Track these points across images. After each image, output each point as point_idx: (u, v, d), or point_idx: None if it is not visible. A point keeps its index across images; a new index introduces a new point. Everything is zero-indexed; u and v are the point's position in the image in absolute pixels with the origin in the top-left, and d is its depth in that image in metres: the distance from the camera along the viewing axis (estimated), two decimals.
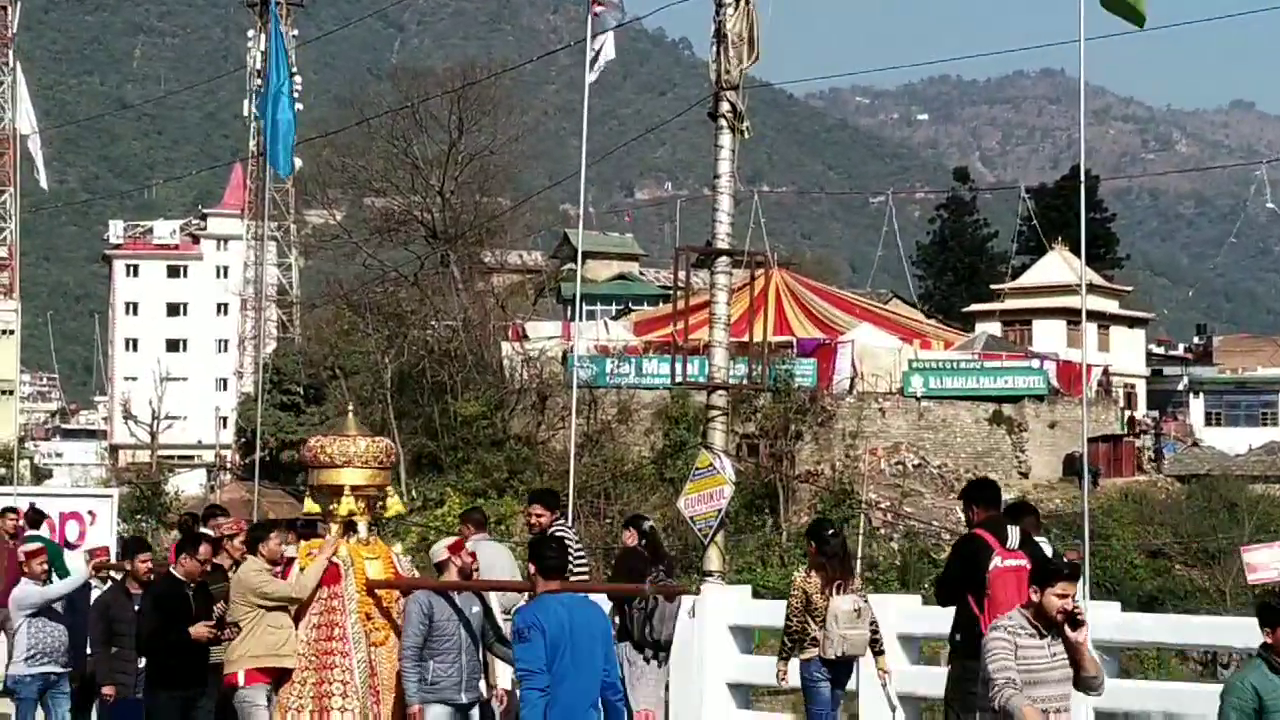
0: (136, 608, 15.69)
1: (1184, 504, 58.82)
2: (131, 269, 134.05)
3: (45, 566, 17.64)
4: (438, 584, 13.96)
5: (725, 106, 20.17)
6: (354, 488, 14.40)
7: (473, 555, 14.25)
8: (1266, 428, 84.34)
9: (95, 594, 17.63)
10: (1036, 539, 13.68)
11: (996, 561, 12.89)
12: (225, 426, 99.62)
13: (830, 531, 15.70)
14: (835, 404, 59.19)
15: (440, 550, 14.20)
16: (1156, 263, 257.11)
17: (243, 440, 79.60)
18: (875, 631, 15.11)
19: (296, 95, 31.59)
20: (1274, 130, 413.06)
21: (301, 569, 14.25)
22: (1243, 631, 14.56)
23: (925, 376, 62.98)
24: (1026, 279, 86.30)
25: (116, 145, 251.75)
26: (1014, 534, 13.21)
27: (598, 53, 23.89)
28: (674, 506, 24.32)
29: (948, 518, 57.96)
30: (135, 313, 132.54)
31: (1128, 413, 76.65)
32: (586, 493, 46.26)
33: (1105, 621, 14.85)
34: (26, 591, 17.16)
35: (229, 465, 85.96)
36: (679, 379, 42.02)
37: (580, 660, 11.86)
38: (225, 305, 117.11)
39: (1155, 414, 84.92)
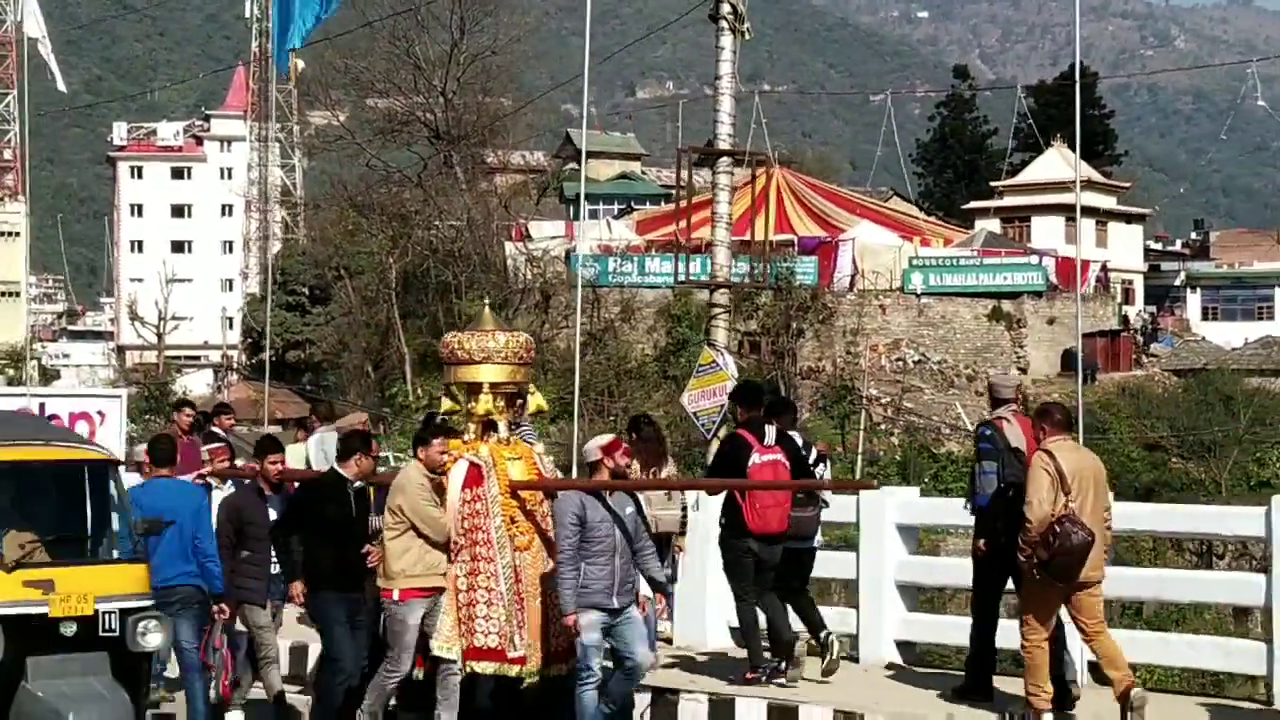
0: (272, 513, 14.84)
1: (1180, 398, 58.99)
2: (136, 171, 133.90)
3: (226, 464, 17.20)
4: (585, 484, 13.38)
5: (726, 8, 20.24)
6: (493, 385, 13.83)
7: (628, 454, 13.51)
8: (1263, 322, 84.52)
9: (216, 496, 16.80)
10: (791, 434, 15.04)
11: (755, 457, 14.30)
12: (231, 327, 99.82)
13: (645, 422, 15.76)
14: (836, 301, 59.27)
15: (593, 450, 13.37)
16: (1154, 159, 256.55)
17: (249, 340, 79.78)
18: (685, 513, 15.57)
19: None
20: (1272, 26, 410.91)
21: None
22: (1237, 520, 14.79)
23: (925, 273, 63.03)
24: (1025, 176, 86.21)
25: (119, 47, 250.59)
26: (770, 431, 14.66)
27: None
28: (677, 403, 24.50)
29: (947, 413, 58.22)
30: (140, 214, 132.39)
31: (1125, 310, 76.79)
32: (590, 390, 46.34)
33: None
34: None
35: (235, 365, 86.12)
36: (682, 278, 42.17)
37: None
38: (230, 206, 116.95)
39: (1152, 309, 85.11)
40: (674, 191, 67.08)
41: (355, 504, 13.88)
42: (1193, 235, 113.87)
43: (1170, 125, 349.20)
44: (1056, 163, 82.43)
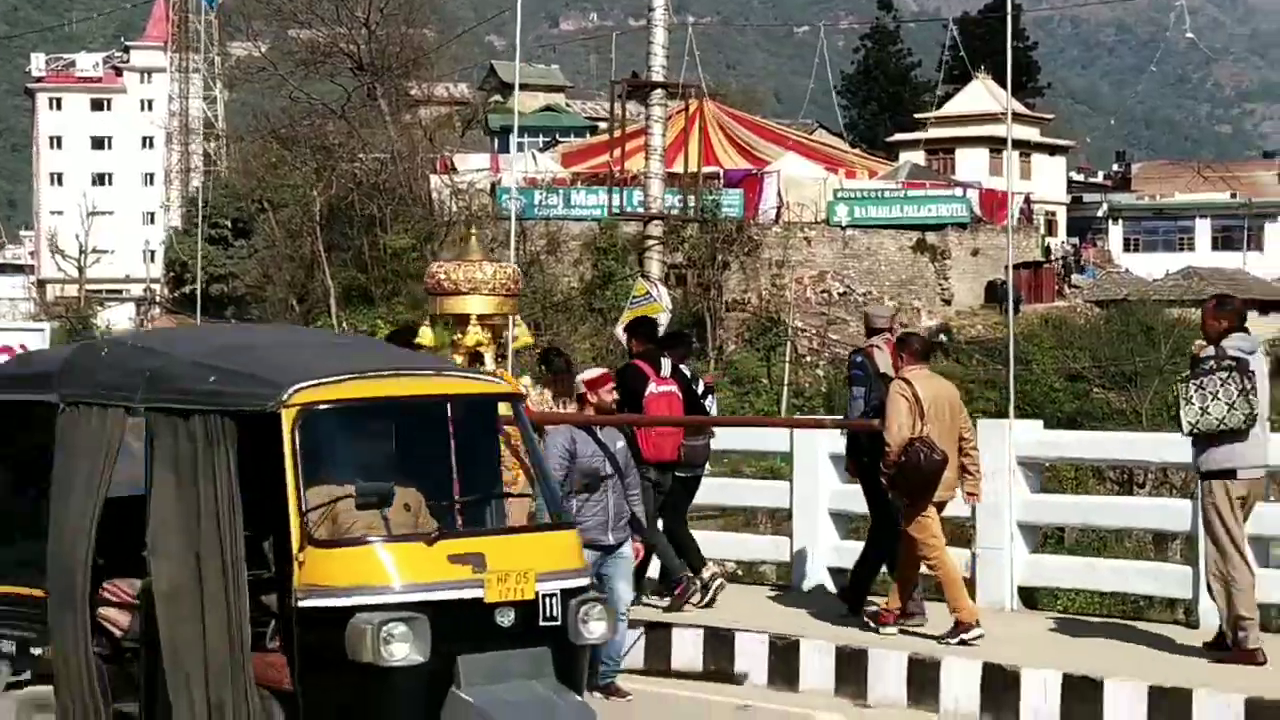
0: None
1: (1102, 329, 59.41)
2: (55, 102, 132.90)
3: None
4: (576, 417, 13.10)
5: None
6: (480, 317, 13.48)
7: (613, 390, 13.25)
8: (1183, 253, 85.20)
9: None
10: (682, 367, 15.67)
11: (651, 388, 14.67)
12: (153, 260, 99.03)
13: (555, 354, 15.54)
14: (762, 233, 59.38)
15: (579, 384, 13.18)
16: (1077, 91, 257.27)
17: (170, 274, 79.29)
18: None
19: None
20: None
21: None
22: (1157, 447, 15.02)
23: (850, 206, 63.18)
24: (950, 108, 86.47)
25: None
26: (666, 364, 15.12)
27: None
28: (604, 335, 24.65)
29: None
30: (59, 147, 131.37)
31: (1049, 242, 77.30)
32: (524, 320, 46.42)
33: (1028, 439, 15.36)
34: None
35: (158, 299, 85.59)
36: (615, 210, 42.23)
37: None
38: (150, 139, 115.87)
39: (1075, 241, 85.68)
40: (600, 124, 66.94)
41: None
42: (1115, 167, 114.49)
43: (1093, 58, 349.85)
44: (981, 95, 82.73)
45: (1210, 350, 13.00)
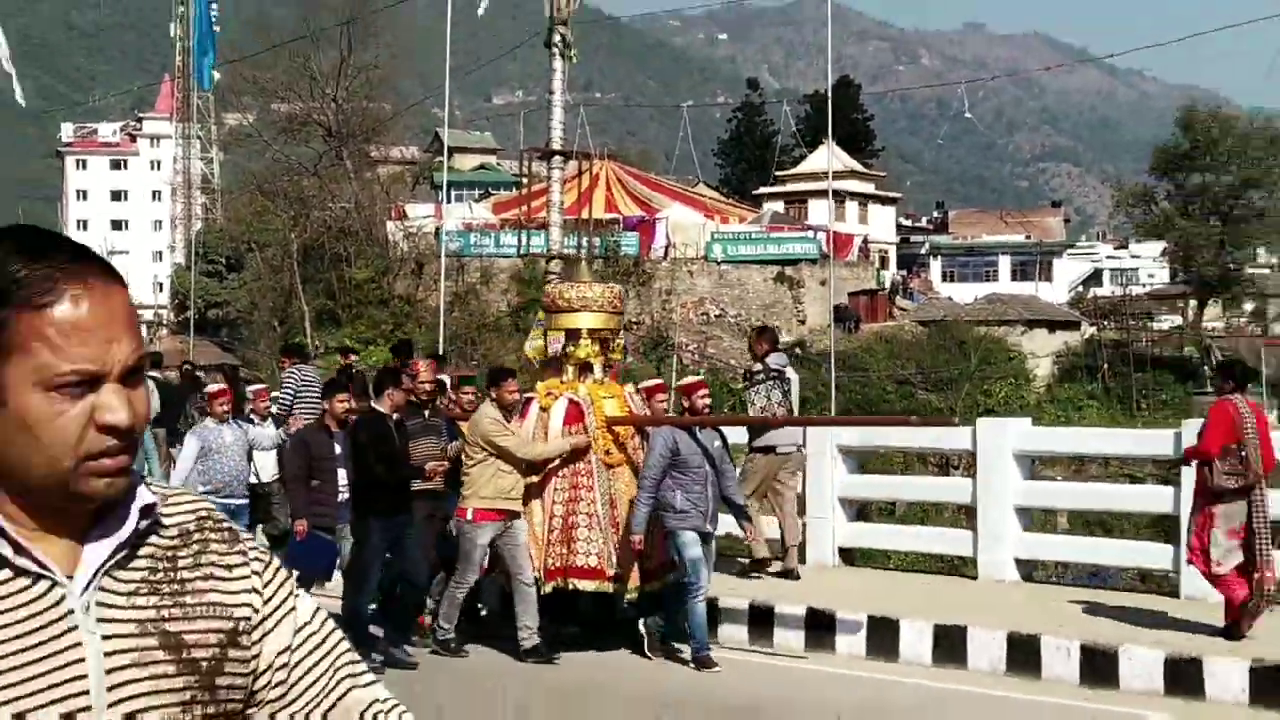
0: (337, 447, 13.04)
1: (925, 343, 59.94)
2: (80, 163, 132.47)
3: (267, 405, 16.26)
4: (672, 420, 12.42)
5: (557, 37, 20.27)
6: (590, 331, 12.82)
7: (706, 395, 12.40)
8: (989, 282, 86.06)
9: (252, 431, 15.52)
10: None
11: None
12: (161, 290, 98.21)
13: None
14: (654, 267, 59.59)
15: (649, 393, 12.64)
16: (906, 153, 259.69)
17: (175, 301, 78.61)
18: None
19: (215, 17, 31.32)
20: (1000, 47, 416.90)
21: (543, 408, 12.54)
22: (963, 437, 15.21)
23: (724, 245, 63.49)
24: (803, 167, 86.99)
25: (66, 61, 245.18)
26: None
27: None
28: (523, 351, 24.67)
29: (742, 356, 58.81)
30: (85, 199, 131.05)
31: (882, 274, 77.92)
32: (456, 340, 46.35)
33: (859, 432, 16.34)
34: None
35: (164, 322, 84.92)
36: (524, 250, 42.18)
37: None
38: (159, 192, 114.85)
39: (903, 272, 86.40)
40: (520, 180, 66.99)
41: (397, 434, 12.38)
42: (935, 214, 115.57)
43: (918, 127, 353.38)
44: (828, 156, 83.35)
45: (759, 366, 15.09)
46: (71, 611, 1.86)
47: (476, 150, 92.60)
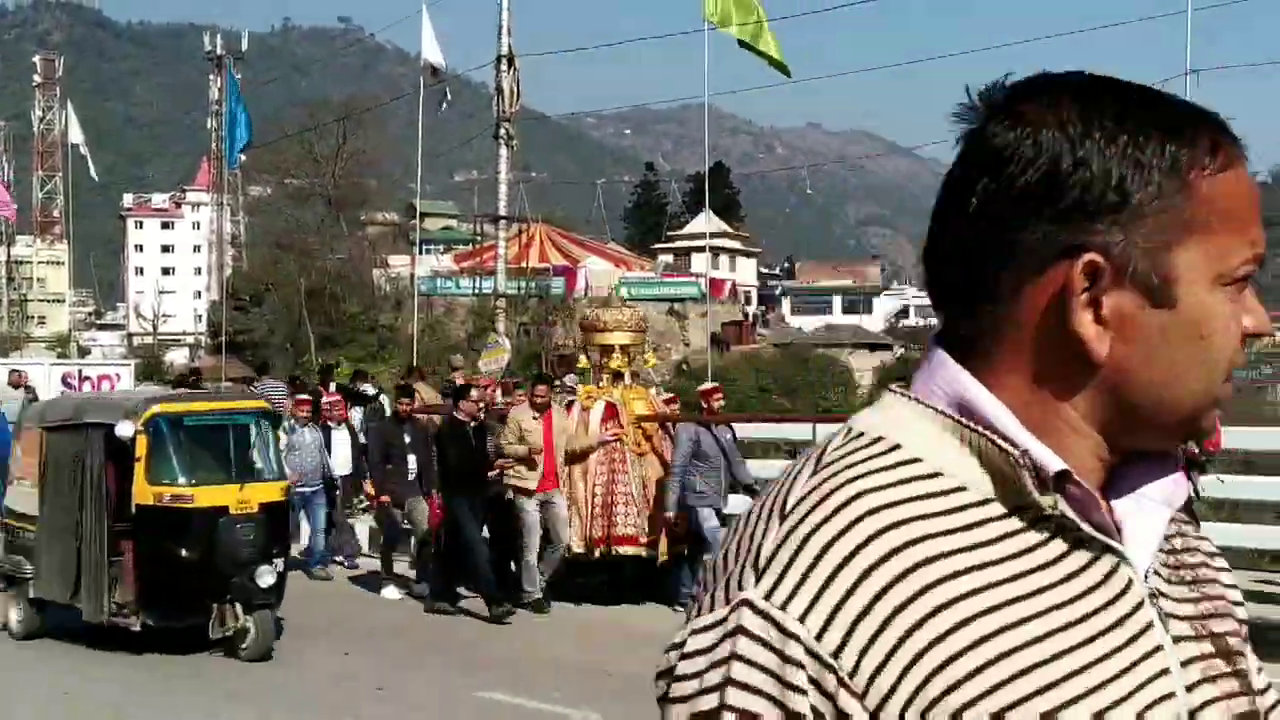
0: (406, 436, 12.88)
1: (779, 360, 60.27)
2: (138, 224, 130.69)
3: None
4: (688, 417, 11.95)
5: (503, 131, 20.19)
6: (622, 347, 12.42)
7: (721, 397, 11.97)
8: (825, 315, 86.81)
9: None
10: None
11: None
12: (200, 321, 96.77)
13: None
14: (575, 305, 59.29)
15: (695, 394, 12.16)
16: (765, 220, 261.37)
17: (210, 329, 77.43)
18: None
19: (243, 116, 30.87)
20: (834, 140, 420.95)
21: (584, 408, 12.00)
22: (793, 429, 14.99)
23: (629, 288, 63.05)
24: (688, 229, 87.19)
25: (127, 145, 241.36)
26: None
27: (442, 100, 23.86)
28: (477, 367, 24.50)
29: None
30: (141, 251, 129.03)
31: (746, 309, 78.30)
32: (427, 359, 45.94)
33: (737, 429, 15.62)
34: None
35: (203, 344, 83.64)
36: (478, 290, 42.04)
37: None
38: (199, 246, 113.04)
39: (762, 308, 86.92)
40: (477, 238, 66.43)
41: (474, 436, 11.88)
42: (785, 265, 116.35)
43: (774, 199, 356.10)
44: (707, 221, 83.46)
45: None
46: (1141, 603, 1.08)
47: (442, 215, 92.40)
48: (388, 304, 54.93)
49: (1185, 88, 13.73)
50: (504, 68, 20.18)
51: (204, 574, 9.40)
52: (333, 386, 18.94)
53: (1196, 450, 10.48)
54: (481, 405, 12.69)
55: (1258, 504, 11.43)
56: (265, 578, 9.43)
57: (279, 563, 9.76)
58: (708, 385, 12.11)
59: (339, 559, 14.41)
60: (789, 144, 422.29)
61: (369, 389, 17.74)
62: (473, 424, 12.04)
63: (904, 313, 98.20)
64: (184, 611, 9.60)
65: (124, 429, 9.56)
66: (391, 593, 12.77)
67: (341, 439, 14.91)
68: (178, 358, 74.41)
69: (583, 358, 13.33)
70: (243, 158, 41.56)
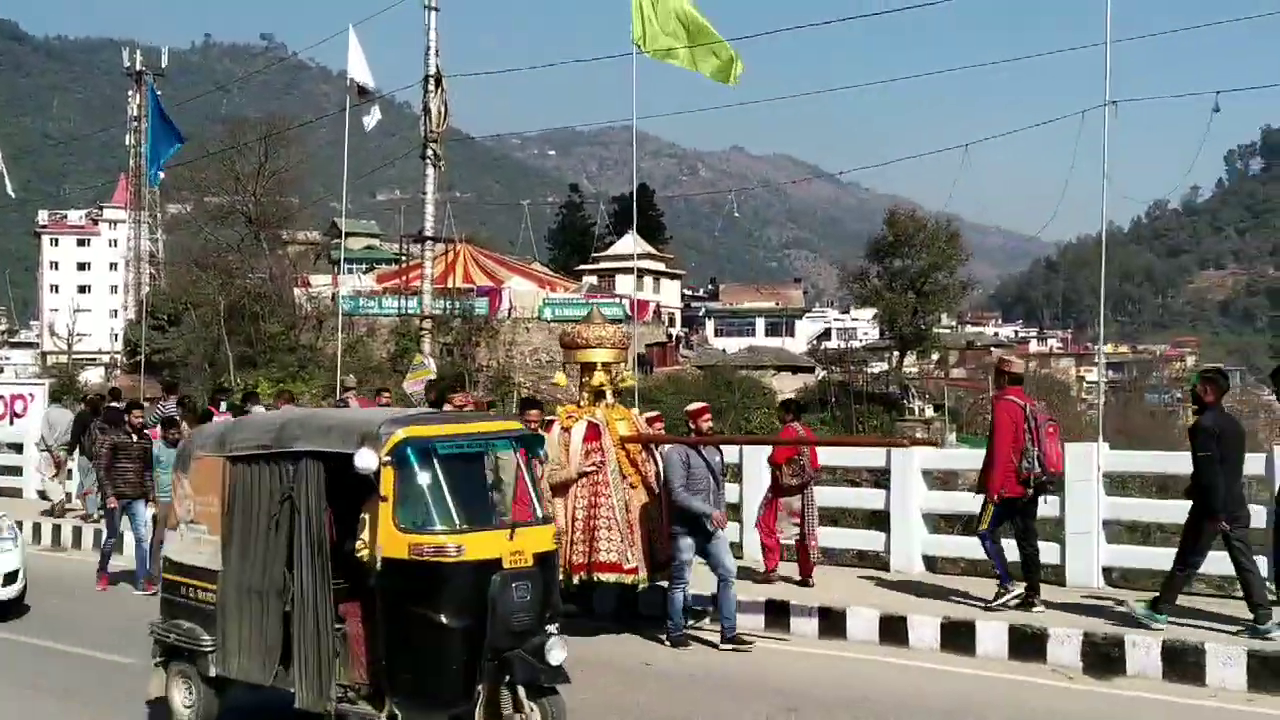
0: None
1: (702, 381, 60.46)
2: (53, 241, 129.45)
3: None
4: (675, 439, 11.41)
5: (430, 151, 20.06)
6: (604, 365, 11.80)
7: (709, 418, 11.18)
8: (748, 337, 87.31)
9: None
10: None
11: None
12: (116, 339, 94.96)
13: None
14: (499, 325, 59.06)
15: (683, 415, 11.44)
16: (687, 241, 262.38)
17: (127, 348, 75.94)
18: None
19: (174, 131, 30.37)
20: (757, 164, 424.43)
21: (564, 429, 11.38)
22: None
23: (553, 308, 63.19)
24: (613, 250, 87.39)
25: (45, 162, 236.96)
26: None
27: (370, 119, 23.64)
28: (399, 388, 24.22)
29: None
30: (57, 269, 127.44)
31: (670, 330, 78.47)
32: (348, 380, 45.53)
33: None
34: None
35: (119, 364, 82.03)
36: (403, 311, 41.67)
37: None
38: (115, 264, 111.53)
39: (686, 329, 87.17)
40: (399, 258, 65.95)
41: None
42: (709, 286, 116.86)
43: (697, 221, 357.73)
44: (631, 243, 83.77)
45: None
46: None
47: (364, 234, 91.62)
48: (309, 323, 54.30)
49: (1104, 119, 13.95)
50: (432, 87, 20.07)
51: (471, 648, 7.20)
52: (223, 407, 18.70)
53: (1040, 471, 10.75)
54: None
55: (1173, 526, 11.58)
56: (555, 652, 7.33)
57: (556, 630, 7.64)
58: (696, 405, 11.46)
59: None
60: (712, 166, 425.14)
61: (259, 410, 17.29)
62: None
63: (826, 335, 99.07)
64: (444, 697, 7.23)
65: (366, 460, 7.20)
66: None
67: None
68: (93, 377, 72.94)
69: (560, 375, 12.98)
70: (163, 175, 40.91)
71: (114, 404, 20.07)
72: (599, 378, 11.81)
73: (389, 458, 7.27)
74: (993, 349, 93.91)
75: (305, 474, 7.59)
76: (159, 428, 15.51)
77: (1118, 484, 13.84)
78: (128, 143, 74.73)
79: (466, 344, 53.60)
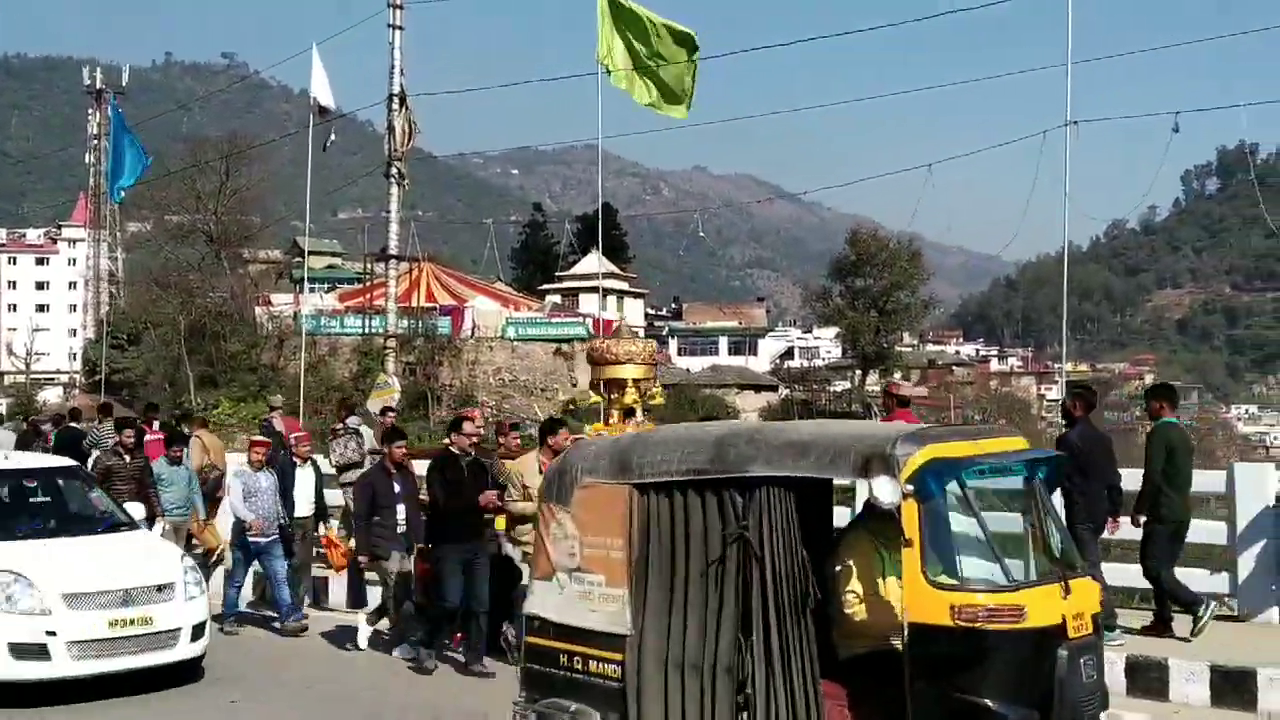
0: (395, 487, 11.33)
1: (666, 400, 60.23)
2: (11, 259, 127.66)
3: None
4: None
5: (394, 170, 20.03)
6: (634, 381, 11.27)
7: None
8: (712, 356, 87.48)
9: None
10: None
11: None
12: (75, 359, 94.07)
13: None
14: (463, 344, 58.85)
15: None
16: (652, 260, 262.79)
17: (87, 368, 75.16)
18: None
19: (137, 148, 30.19)
20: (719, 183, 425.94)
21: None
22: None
23: (516, 327, 63.11)
24: (576, 269, 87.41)
25: (3, 181, 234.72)
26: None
27: (327, 139, 23.57)
28: (363, 407, 24.12)
29: (530, 410, 58.45)
30: (15, 288, 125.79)
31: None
32: (309, 398, 45.19)
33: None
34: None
35: (78, 384, 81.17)
36: (365, 330, 41.44)
37: None
38: (75, 283, 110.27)
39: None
40: (363, 276, 65.69)
41: (469, 472, 10.66)
42: (673, 305, 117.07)
43: (660, 241, 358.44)
44: (595, 262, 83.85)
45: (340, 425, 15.78)
46: None
47: (326, 253, 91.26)
48: (270, 343, 53.94)
49: (1065, 138, 14.10)
50: (396, 106, 20.04)
51: None
52: (156, 424, 18.66)
53: None
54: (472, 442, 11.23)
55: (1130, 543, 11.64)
56: None
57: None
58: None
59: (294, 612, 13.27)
60: (675, 186, 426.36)
61: (185, 430, 17.12)
62: (466, 459, 10.74)
63: (789, 354, 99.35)
64: None
65: (885, 491, 5.37)
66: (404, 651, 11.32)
67: (305, 478, 13.85)
68: (51, 397, 72.19)
69: (593, 394, 12.15)
70: (123, 194, 40.61)
71: (73, 424, 19.95)
72: (631, 394, 11.28)
73: (910, 486, 5.44)
74: (954, 367, 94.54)
75: (767, 506, 5.70)
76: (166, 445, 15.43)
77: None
78: (87, 161, 74.19)
79: (430, 363, 53.38)
